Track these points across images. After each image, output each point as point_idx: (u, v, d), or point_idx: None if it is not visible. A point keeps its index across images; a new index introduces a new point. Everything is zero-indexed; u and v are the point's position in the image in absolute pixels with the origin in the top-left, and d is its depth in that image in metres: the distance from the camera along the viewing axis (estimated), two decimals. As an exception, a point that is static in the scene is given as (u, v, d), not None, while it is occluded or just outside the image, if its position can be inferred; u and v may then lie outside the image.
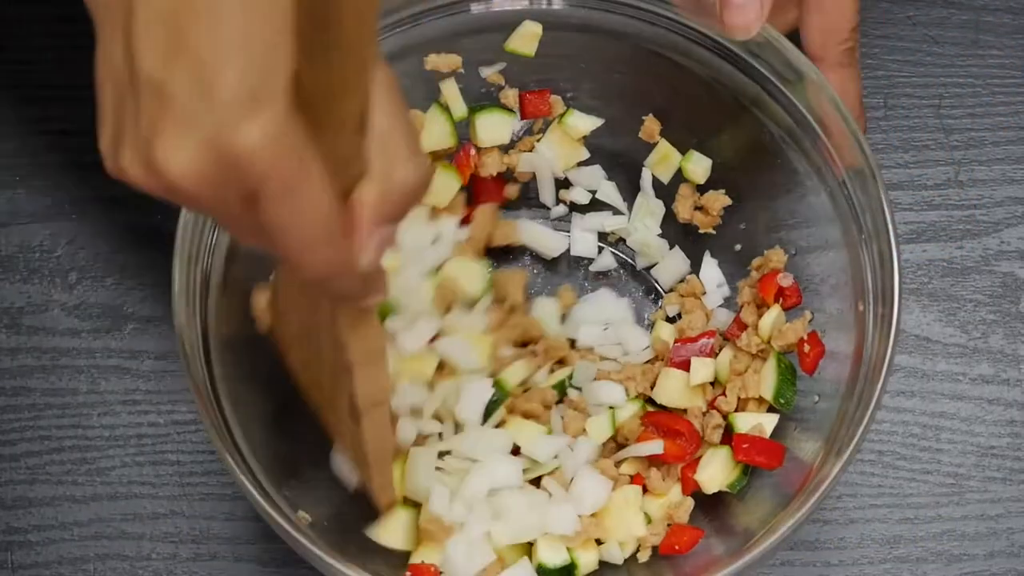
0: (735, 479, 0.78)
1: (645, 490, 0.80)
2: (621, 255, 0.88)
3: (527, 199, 0.89)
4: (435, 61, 0.82)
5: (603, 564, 0.79)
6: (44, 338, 0.87)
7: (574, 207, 0.88)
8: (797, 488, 0.73)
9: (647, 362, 0.84)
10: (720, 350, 0.82)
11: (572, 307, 0.86)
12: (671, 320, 0.85)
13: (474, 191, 0.87)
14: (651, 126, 0.84)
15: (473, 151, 0.85)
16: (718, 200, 0.84)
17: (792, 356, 0.80)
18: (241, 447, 0.72)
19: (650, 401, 0.82)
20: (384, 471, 0.74)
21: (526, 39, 0.81)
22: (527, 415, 0.81)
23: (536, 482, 0.80)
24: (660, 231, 0.87)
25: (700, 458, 0.80)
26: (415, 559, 0.76)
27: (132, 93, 0.51)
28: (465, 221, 0.86)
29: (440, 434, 0.81)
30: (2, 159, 0.90)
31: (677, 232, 0.87)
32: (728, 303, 0.85)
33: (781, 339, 0.79)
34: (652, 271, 0.88)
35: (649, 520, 0.79)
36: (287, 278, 0.70)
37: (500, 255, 0.88)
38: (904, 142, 0.92)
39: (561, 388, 0.83)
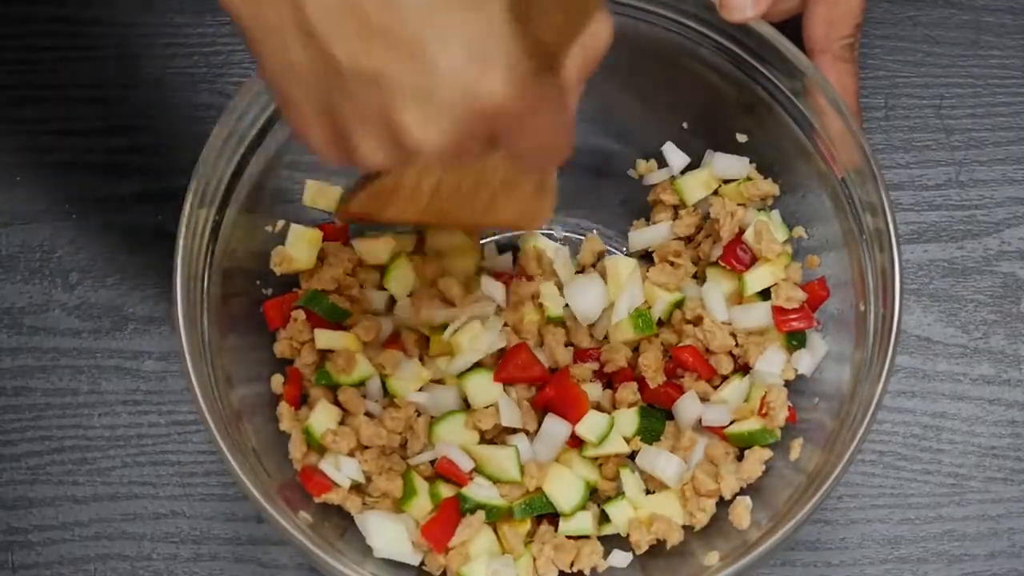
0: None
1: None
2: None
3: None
4: None
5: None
6: (45, 338, 0.87)
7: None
8: (798, 488, 0.73)
9: None
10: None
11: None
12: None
13: None
14: None
15: None
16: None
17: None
18: (242, 447, 0.72)
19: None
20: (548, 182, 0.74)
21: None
22: None
23: None
24: None
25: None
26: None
27: (339, 87, 0.52)
28: None
29: None
30: (2, 159, 0.90)
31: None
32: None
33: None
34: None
35: None
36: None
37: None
38: (905, 142, 0.92)
39: None
